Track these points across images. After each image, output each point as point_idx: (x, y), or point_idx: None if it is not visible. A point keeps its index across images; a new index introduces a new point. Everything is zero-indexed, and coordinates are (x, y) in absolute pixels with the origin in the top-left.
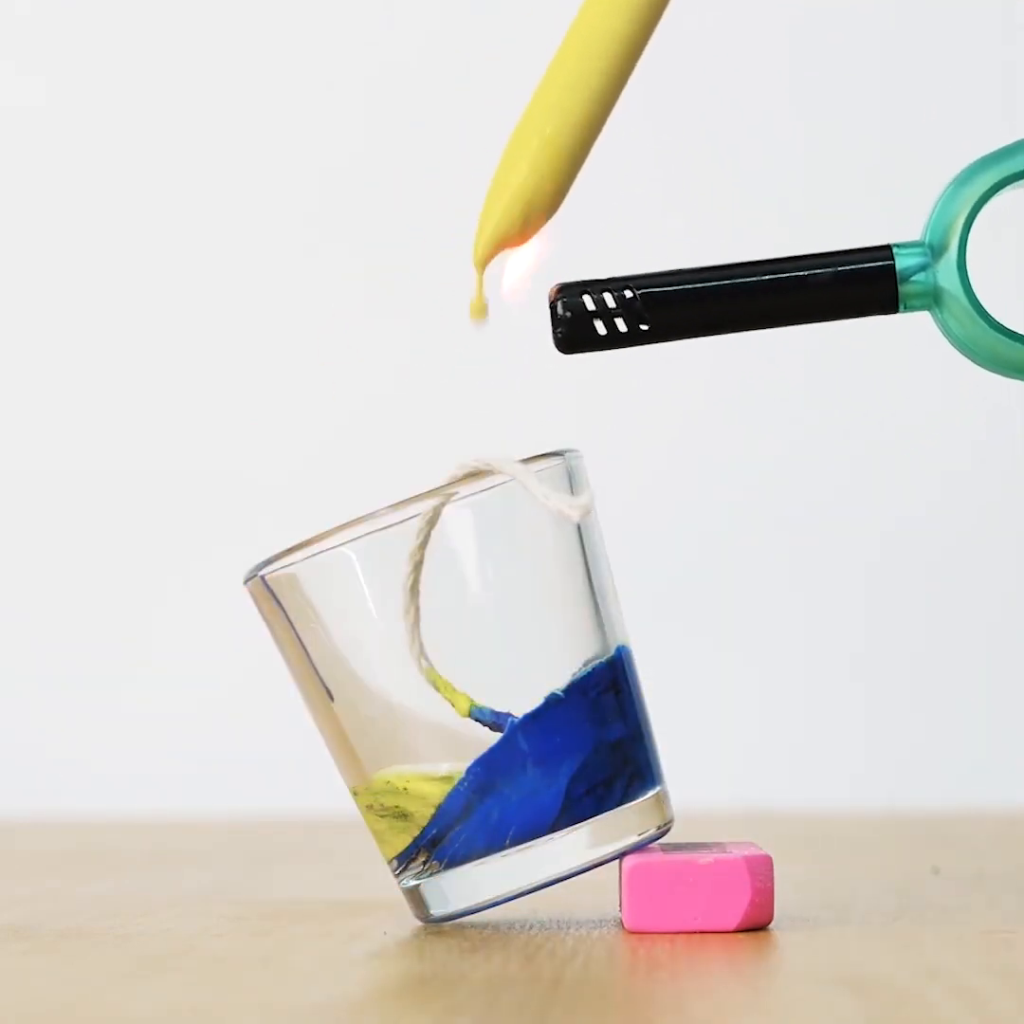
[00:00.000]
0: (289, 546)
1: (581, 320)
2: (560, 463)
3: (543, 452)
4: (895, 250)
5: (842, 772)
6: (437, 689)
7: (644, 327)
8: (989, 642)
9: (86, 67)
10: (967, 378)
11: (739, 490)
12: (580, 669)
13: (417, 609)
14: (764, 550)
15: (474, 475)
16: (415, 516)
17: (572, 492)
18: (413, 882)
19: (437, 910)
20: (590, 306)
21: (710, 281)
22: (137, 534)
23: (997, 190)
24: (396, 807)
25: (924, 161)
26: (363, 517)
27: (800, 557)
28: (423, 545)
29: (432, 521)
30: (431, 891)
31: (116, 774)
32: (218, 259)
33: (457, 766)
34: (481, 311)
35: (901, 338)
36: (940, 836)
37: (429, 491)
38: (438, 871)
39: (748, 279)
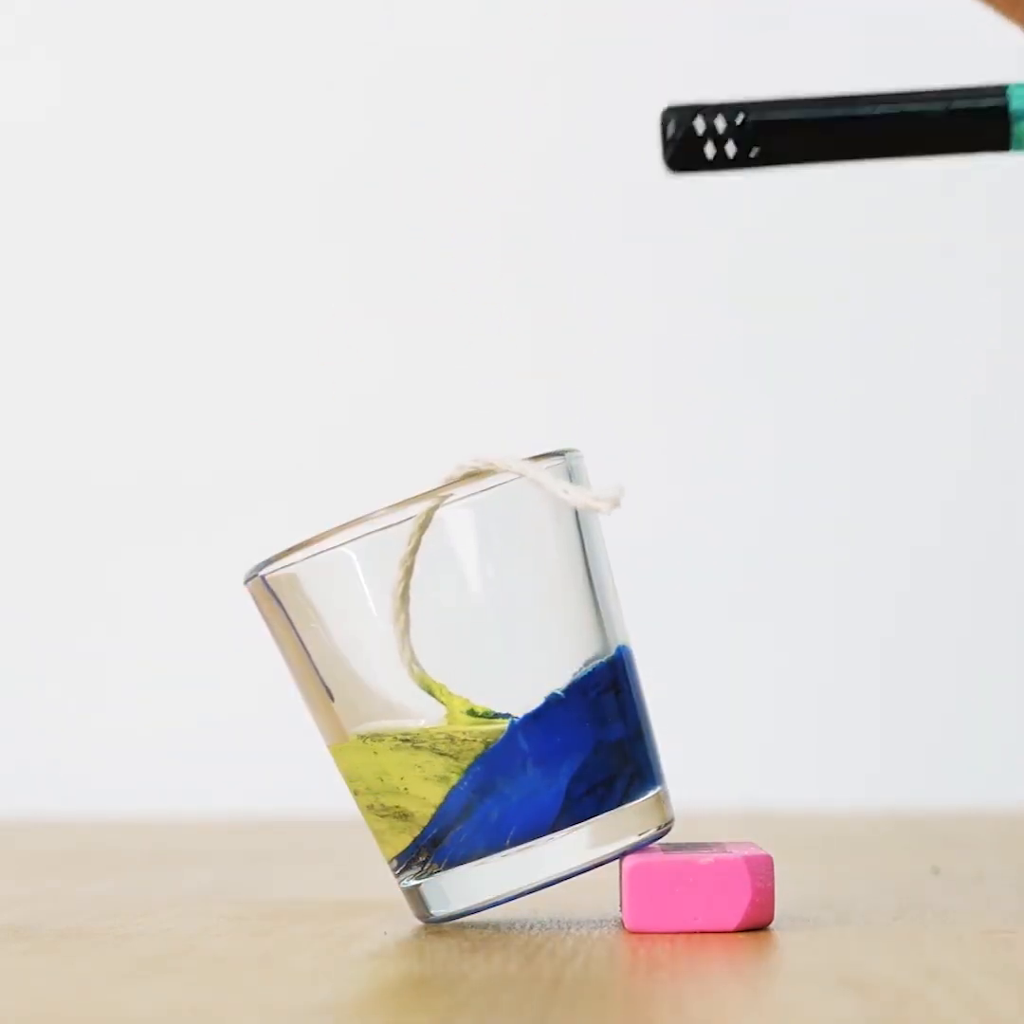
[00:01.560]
0: (289, 546)
1: (691, 141)
2: (560, 463)
3: (543, 452)
4: (1010, 90)
5: (842, 772)
6: (432, 694)
7: (753, 153)
8: (989, 643)
9: (86, 64)
10: (969, 376)
11: (740, 489)
12: (580, 669)
13: (407, 616)
14: (764, 550)
15: (473, 475)
16: (412, 517)
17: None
18: (413, 882)
19: (437, 910)
20: (701, 128)
21: (823, 108)
22: (138, 534)
23: None
24: (396, 807)
25: None
26: (363, 517)
27: (800, 557)
28: (414, 551)
29: (424, 526)
30: (431, 891)
31: (116, 774)
32: (218, 258)
33: (457, 765)
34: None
35: (902, 331)
36: (940, 836)
37: (429, 491)
38: (438, 871)
39: (861, 110)
